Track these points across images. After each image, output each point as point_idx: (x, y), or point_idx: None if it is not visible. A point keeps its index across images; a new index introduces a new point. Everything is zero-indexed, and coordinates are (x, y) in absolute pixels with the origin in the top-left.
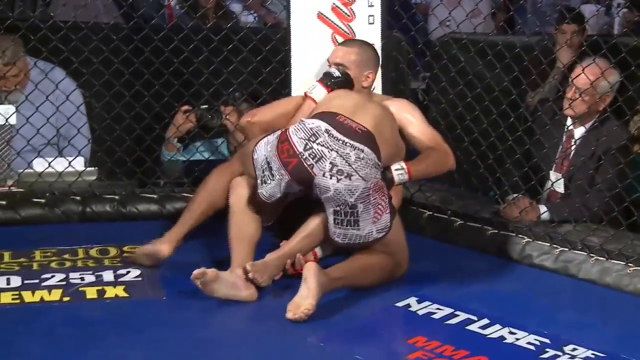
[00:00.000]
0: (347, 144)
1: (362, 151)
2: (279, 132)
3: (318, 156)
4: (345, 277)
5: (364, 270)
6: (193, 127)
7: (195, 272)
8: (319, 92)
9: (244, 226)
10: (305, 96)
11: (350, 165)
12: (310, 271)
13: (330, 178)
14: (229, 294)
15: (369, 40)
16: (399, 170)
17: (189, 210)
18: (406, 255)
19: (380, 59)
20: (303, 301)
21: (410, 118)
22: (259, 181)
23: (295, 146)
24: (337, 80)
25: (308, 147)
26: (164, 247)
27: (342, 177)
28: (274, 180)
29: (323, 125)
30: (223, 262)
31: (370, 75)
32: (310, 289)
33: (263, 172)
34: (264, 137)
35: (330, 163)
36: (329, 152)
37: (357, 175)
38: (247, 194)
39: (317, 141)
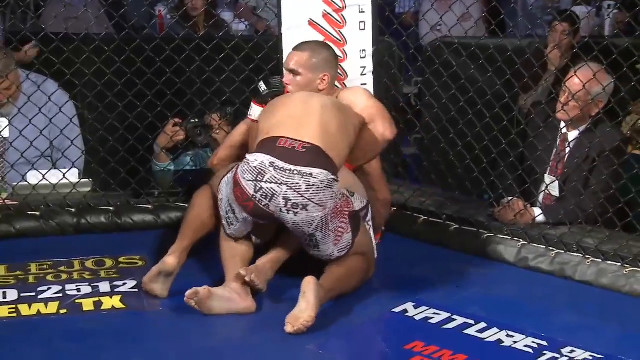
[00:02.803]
0: (295, 172)
1: (311, 175)
2: (232, 173)
3: (270, 194)
4: (336, 287)
5: (350, 276)
6: (183, 138)
7: (188, 292)
8: (256, 111)
9: (235, 246)
10: (250, 120)
11: (302, 196)
12: (309, 285)
13: (288, 213)
14: (227, 309)
15: (360, 46)
16: None
17: (184, 229)
18: (373, 251)
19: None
20: (302, 314)
21: (351, 98)
22: (224, 222)
23: (246, 190)
24: (266, 94)
25: (258, 187)
26: (169, 259)
27: (298, 209)
28: (238, 222)
29: (267, 159)
30: (220, 282)
31: (326, 77)
32: (309, 303)
33: (227, 213)
34: (225, 175)
35: (284, 198)
36: (278, 187)
37: (312, 204)
38: None
39: (264, 179)
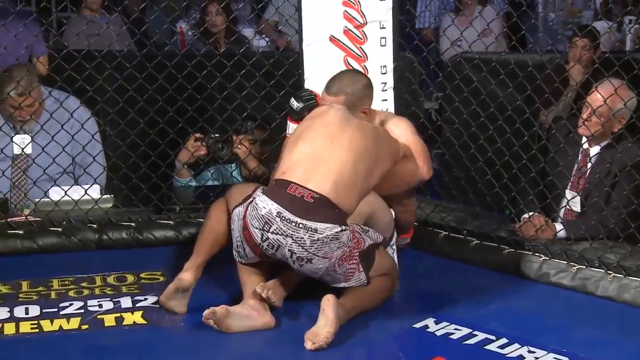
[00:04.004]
0: (300, 226)
1: (316, 231)
2: (244, 209)
3: (275, 245)
4: (357, 306)
5: (372, 295)
6: (205, 154)
7: (206, 312)
8: (292, 129)
9: (251, 264)
10: (286, 137)
11: (307, 251)
12: (328, 302)
13: (293, 263)
14: (246, 326)
15: (381, 62)
16: None
17: (199, 245)
18: (395, 270)
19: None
20: (321, 330)
21: (393, 128)
22: (235, 252)
23: (254, 237)
24: (301, 109)
25: (264, 237)
26: (185, 275)
27: (303, 262)
28: (247, 259)
29: (274, 208)
30: (240, 296)
31: (366, 110)
32: (329, 319)
33: (237, 247)
34: (238, 205)
35: (289, 250)
36: (284, 239)
37: (317, 258)
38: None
39: (270, 230)
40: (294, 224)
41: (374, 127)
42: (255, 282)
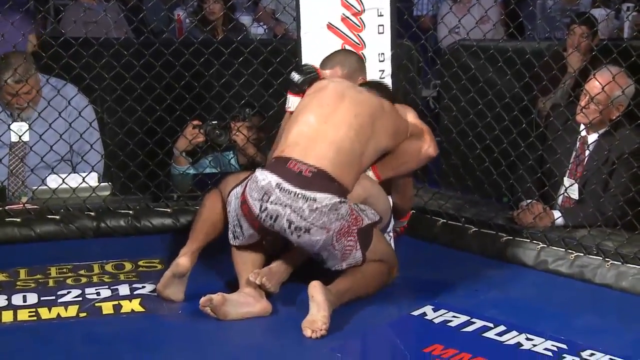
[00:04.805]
0: (299, 196)
1: (315, 200)
2: (242, 188)
3: (274, 216)
4: (348, 290)
5: (364, 280)
6: (203, 141)
7: (202, 300)
8: (294, 102)
9: (246, 251)
10: (287, 112)
11: (305, 220)
12: (315, 288)
13: (291, 234)
14: (243, 313)
15: (379, 50)
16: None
17: (194, 232)
18: (393, 257)
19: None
20: (316, 316)
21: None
22: (230, 234)
23: (253, 209)
24: (301, 83)
25: (263, 208)
26: (181, 260)
27: (301, 232)
28: (244, 237)
29: (274, 180)
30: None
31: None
32: (320, 304)
33: (234, 227)
34: (235, 187)
35: (287, 220)
36: (282, 209)
37: (315, 228)
38: None
39: (269, 200)
40: (292, 194)
41: (375, 101)
42: (249, 270)
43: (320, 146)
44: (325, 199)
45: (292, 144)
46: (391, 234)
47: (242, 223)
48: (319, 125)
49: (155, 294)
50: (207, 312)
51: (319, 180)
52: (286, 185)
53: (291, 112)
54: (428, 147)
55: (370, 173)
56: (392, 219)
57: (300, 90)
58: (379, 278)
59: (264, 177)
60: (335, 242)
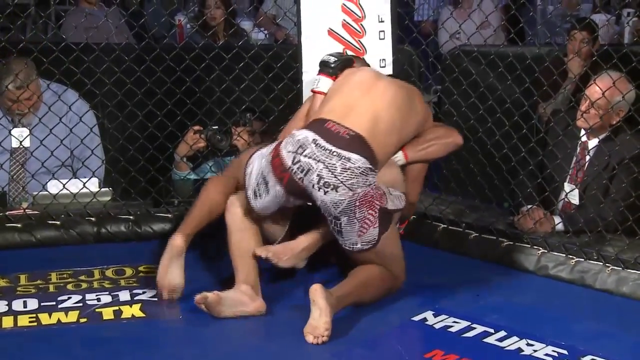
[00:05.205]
0: (334, 154)
1: (349, 160)
2: (273, 146)
3: (306, 169)
4: (349, 294)
5: (366, 285)
6: (204, 146)
7: (197, 297)
8: (325, 84)
9: (243, 243)
10: (314, 93)
11: (336, 177)
12: (316, 292)
13: (319, 190)
14: (237, 312)
15: (380, 55)
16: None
17: (190, 216)
18: (403, 267)
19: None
20: (318, 322)
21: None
22: (250, 193)
23: (285, 161)
24: (336, 66)
25: (296, 160)
26: (175, 240)
27: (329, 189)
28: (268, 195)
29: (310, 135)
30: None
31: None
32: (322, 309)
33: (258, 185)
34: (258, 150)
35: (318, 175)
36: (315, 163)
37: (343, 186)
38: (243, 212)
39: (304, 153)
40: (328, 151)
41: (407, 84)
42: (247, 264)
43: (359, 114)
44: (359, 160)
45: (330, 110)
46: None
47: (269, 179)
48: (360, 96)
49: (156, 299)
50: (202, 308)
51: (356, 143)
52: (322, 142)
53: (319, 93)
54: (456, 135)
55: (399, 153)
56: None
57: (333, 72)
58: (383, 285)
59: (301, 132)
60: (357, 209)
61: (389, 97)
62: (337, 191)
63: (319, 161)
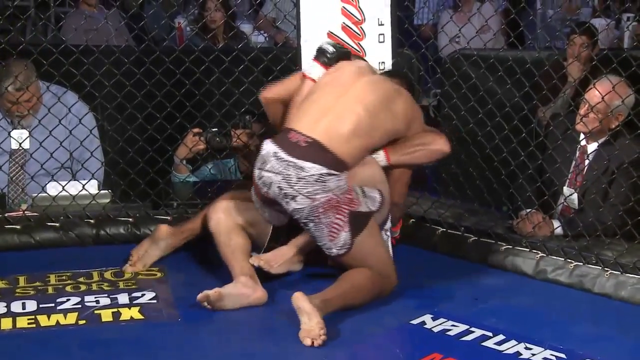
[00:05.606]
0: (291, 164)
1: (302, 169)
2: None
3: (268, 182)
4: (336, 297)
5: (354, 288)
6: (204, 149)
7: (199, 296)
8: (317, 72)
9: (232, 241)
10: (304, 76)
11: (292, 187)
12: (298, 299)
13: (282, 200)
14: (239, 304)
15: (379, 58)
16: (377, 157)
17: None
18: (392, 267)
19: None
20: (310, 324)
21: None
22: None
23: (255, 177)
24: (332, 56)
25: (260, 175)
26: (162, 225)
27: (289, 199)
28: (265, 212)
29: (272, 149)
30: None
31: None
32: (309, 312)
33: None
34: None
35: (278, 187)
36: (275, 176)
37: (301, 196)
38: (226, 216)
39: (266, 168)
40: (285, 162)
41: (390, 85)
42: (239, 258)
43: (325, 117)
44: (312, 168)
45: (299, 117)
46: (388, 233)
47: (256, 200)
48: (331, 101)
49: (155, 301)
50: (205, 306)
51: (312, 150)
52: (282, 154)
53: (309, 79)
54: (444, 142)
55: (381, 154)
56: (390, 220)
57: (328, 63)
58: (372, 287)
59: (265, 146)
60: (321, 214)
61: (360, 100)
62: (295, 200)
63: (277, 174)
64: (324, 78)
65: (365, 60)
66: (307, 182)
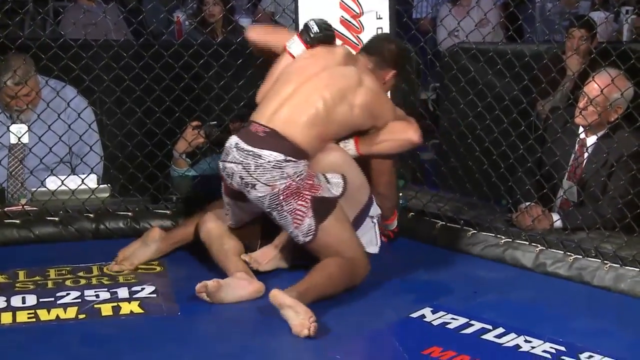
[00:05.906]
0: (250, 153)
1: (260, 157)
2: None
3: (230, 173)
4: (310, 288)
5: (325, 278)
6: (203, 142)
7: (198, 286)
8: (297, 48)
9: (225, 246)
10: (285, 49)
11: (251, 175)
12: (275, 296)
13: (244, 190)
14: (237, 296)
15: None
16: (346, 146)
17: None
18: (359, 250)
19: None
20: (298, 317)
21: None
22: (225, 212)
23: (220, 170)
24: (315, 37)
25: (223, 167)
26: (153, 229)
27: (250, 188)
28: (230, 207)
29: (234, 140)
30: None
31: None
32: (291, 305)
33: (225, 202)
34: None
35: (239, 177)
36: (236, 166)
37: (260, 183)
38: (216, 225)
39: (228, 159)
40: (245, 152)
41: (354, 77)
42: (230, 257)
43: (284, 110)
44: (270, 156)
45: (261, 109)
46: (374, 220)
47: (224, 196)
48: (291, 92)
49: (155, 295)
50: (203, 297)
51: (270, 139)
52: (242, 145)
53: (289, 53)
54: (413, 132)
55: (351, 144)
56: (376, 208)
57: (310, 42)
58: (342, 273)
59: (230, 139)
60: (283, 202)
61: (319, 91)
62: (255, 188)
63: (238, 164)
64: (297, 62)
65: (346, 47)
66: (264, 169)
